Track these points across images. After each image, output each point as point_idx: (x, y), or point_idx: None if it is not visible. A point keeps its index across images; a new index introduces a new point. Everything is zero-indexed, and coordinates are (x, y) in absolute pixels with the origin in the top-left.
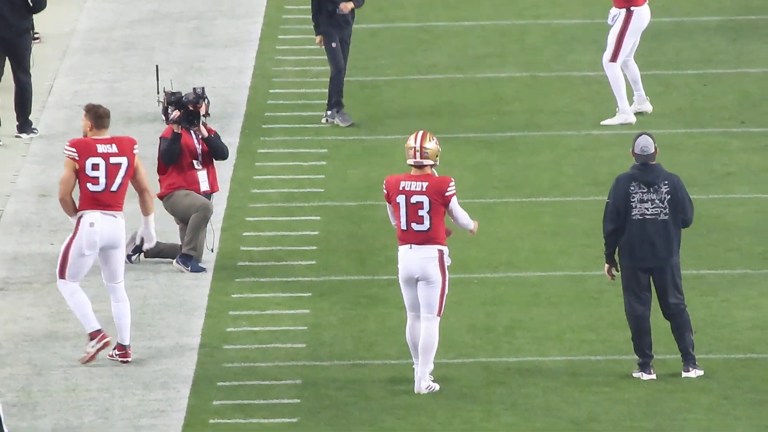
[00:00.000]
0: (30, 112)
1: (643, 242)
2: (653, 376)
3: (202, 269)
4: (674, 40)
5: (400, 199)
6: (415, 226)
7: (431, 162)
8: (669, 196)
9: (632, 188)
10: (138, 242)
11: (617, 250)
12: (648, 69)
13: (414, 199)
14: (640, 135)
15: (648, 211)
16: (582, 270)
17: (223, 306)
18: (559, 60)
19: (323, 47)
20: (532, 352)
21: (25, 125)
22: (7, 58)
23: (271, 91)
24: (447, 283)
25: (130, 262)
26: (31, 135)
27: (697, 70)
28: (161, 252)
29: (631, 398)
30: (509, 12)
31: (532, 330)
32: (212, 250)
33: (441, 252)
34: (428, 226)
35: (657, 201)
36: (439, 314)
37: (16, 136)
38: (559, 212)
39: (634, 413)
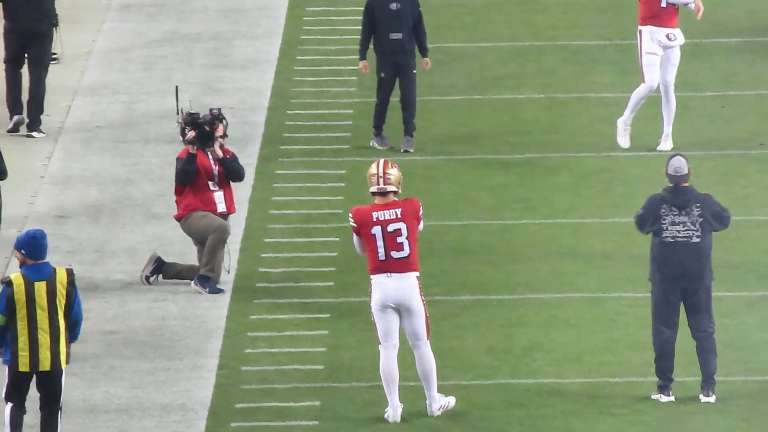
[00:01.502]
0: (42, 111)
1: (676, 265)
2: (672, 398)
3: (220, 290)
4: (693, 62)
5: (376, 230)
6: (395, 254)
7: (394, 189)
8: (701, 219)
9: (663, 210)
10: (155, 263)
11: (650, 272)
12: None
13: (391, 227)
14: (674, 156)
15: (680, 233)
16: (600, 292)
17: (242, 327)
18: (577, 81)
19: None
20: (551, 374)
21: (33, 122)
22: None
23: (289, 112)
24: (426, 307)
25: (148, 283)
26: (41, 134)
27: (716, 92)
28: (179, 273)
29: (650, 420)
30: (526, 33)
31: (551, 352)
32: (229, 272)
33: (418, 278)
34: (408, 251)
35: (689, 224)
36: (428, 338)
37: (28, 135)
38: (578, 234)
39: None
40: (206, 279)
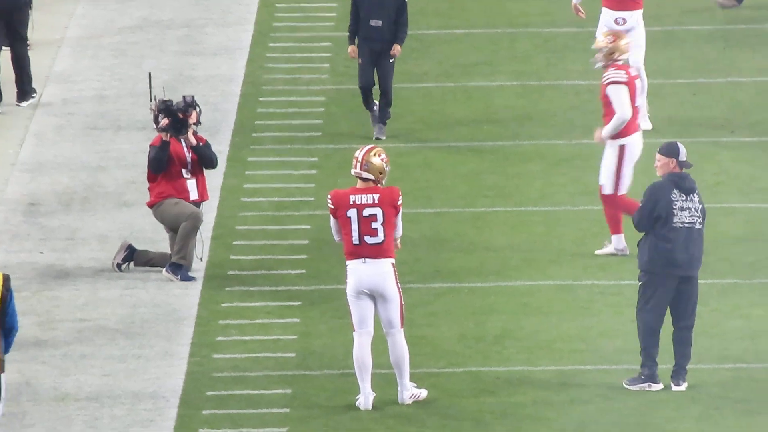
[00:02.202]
0: (29, 81)
1: (685, 250)
2: (661, 386)
3: (192, 278)
4: (665, 50)
5: (351, 213)
6: (368, 239)
7: (372, 177)
8: (701, 206)
9: (674, 195)
10: (126, 251)
11: (648, 258)
12: None
13: (366, 211)
14: (674, 143)
15: (686, 219)
16: (572, 279)
17: (213, 315)
18: (550, 69)
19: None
20: (522, 362)
21: (24, 93)
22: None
23: (261, 99)
24: (401, 294)
25: (120, 270)
26: (30, 100)
27: (688, 79)
28: (151, 261)
29: (621, 408)
30: (499, 20)
31: (522, 339)
32: (201, 259)
33: (394, 266)
34: (382, 238)
35: (693, 209)
36: (402, 326)
37: (17, 104)
38: (549, 221)
39: (624, 423)
40: (178, 266)
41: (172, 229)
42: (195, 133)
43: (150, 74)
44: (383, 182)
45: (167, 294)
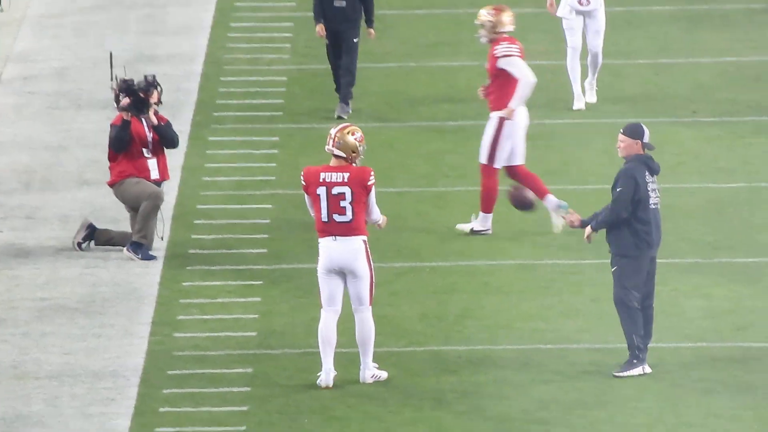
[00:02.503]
0: None
1: (657, 230)
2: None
3: (153, 257)
4: (626, 30)
5: (321, 190)
6: (337, 218)
7: (343, 155)
8: (658, 185)
9: (647, 177)
10: (87, 230)
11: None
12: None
13: (335, 190)
14: (640, 124)
15: (655, 200)
16: (533, 259)
17: (174, 294)
18: None
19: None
20: (483, 341)
21: None
22: None
23: (222, 78)
24: (373, 272)
25: (80, 249)
26: None
27: (650, 60)
28: (112, 240)
29: (582, 387)
30: (462, 1)
31: (483, 319)
32: (162, 238)
33: (365, 243)
34: (350, 216)
35: (657, 190)
36: (370, 304)
37: None
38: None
39: (585, 402)
40: (139, 245)
41: (133, 208)
42: (156, 113)
43: (111, 53)
44: (357, 161)
45: (128, 273)
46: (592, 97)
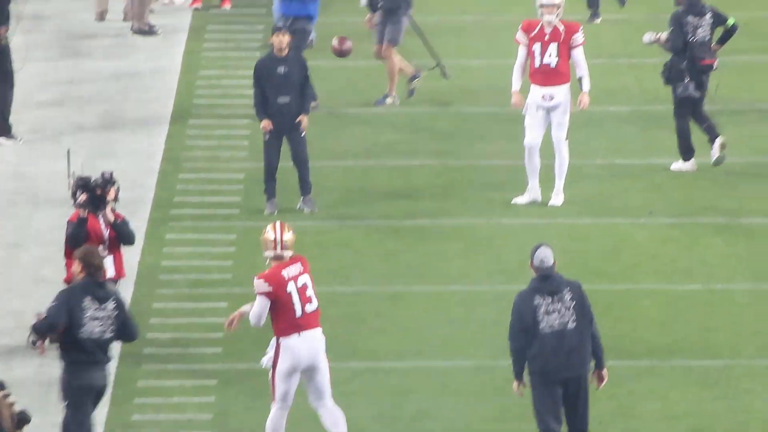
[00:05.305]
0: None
1: (555, 354)
2: None
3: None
4: (583, 129)
5: (291, 287)
6: (308, 308)
7: (291, 253)
8: (574, 303)
9: (537, 301)
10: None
11: (528, 367)
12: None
13: (300, 281)
14: (539, 247)
15: (556, 321)
16: (491, 359)
17: (129, 394)
18: (469, 148)
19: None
20: None
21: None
22: None
23: (180, 176)
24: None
25: (35, 347)
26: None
27: (606, 160)
28: None
29: None
30: (419, 99)
31: (440, 420)
32: None
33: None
34: (316, 303)
35: (563, 309)
36: (330, 396)
37: None
38: (468, 301)
39: None
40: None
41: None
42: (113, 210)
43: (69, 151)
44: None
45: None
46: (558, 200)
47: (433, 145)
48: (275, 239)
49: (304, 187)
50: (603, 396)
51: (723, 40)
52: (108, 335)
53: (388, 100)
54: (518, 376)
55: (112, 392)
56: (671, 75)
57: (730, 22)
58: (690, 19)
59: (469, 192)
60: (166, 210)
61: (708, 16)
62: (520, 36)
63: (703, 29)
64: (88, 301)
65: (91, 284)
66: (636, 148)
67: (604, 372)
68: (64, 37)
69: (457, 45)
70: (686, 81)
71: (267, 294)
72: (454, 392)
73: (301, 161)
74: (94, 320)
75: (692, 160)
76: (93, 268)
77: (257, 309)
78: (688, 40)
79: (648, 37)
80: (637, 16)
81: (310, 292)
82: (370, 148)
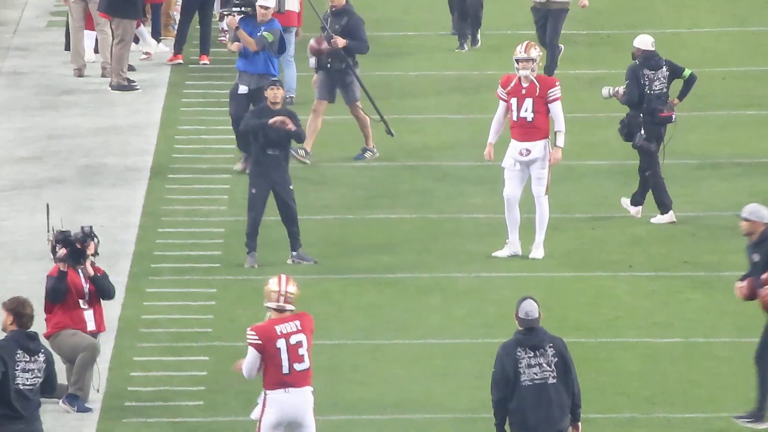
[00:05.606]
0: None
1: (535, 408)
2: None
3: (89, 409)
4: (564, 183)
5: (281, 343)
6: (297, 366)
7: (293, 308)
8: (556, 359)
9: (519, 354)
10: None
11: (509, 420)
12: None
13: (293, 339)
14: (525, 299)
15: (537, 375)
16: (471, 413)
17: None
18: (449, 202)
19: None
20: None
21: None
22: None
23: (160, 230)
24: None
25: None
26: None
27: (586, 213)
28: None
29: None
30: (399, 153)
31: None
32: (98, 390)
33: (313, 393)
34: (308, 363)
35: (545, 365)
36: None
37: None
38: (449, 354)
39: None
40: (75, 398)
41: (69, 360)
42: (93, 264)
43: (48, 205)
44: None
45: (64, 425)
46: (538, 254)
47: (413, 198)
48: (278, 291)
49: (297, 243)
50: None
51: (683, 94)
52: (36, 388)
53: (368, 155)
54: (499, 426)
55: None
56: (631, 130)
57: (686, 73)
58: (646, 72)
59: (449, 245)
60: (146, 264)
61: (664, 68)
62: (499, 91)
63: (659, 82)
64: (20, 354)
65: (22, 336)
66: (616, 202)
67: (579, 425)
68: (43, 92)
69: (437, 100)
70: (642, 133)
71: (256, 346)
72: None
73: (291, 219)
74: (25, 372)
75: (670, 212)
76: (24, 318)
77: (248, 359)
78: (645, 92)
79: (606, 91)
80: (620, 71)
81: (302, 351)
82: (350, 202)
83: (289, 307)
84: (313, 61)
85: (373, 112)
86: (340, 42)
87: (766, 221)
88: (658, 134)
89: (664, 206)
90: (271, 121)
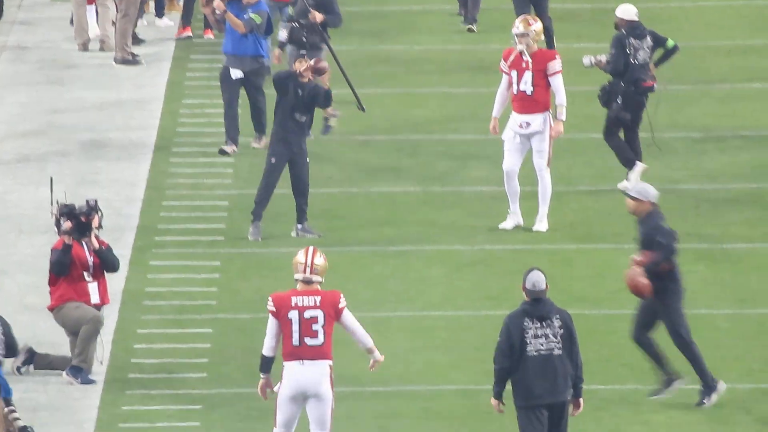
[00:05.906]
0: None
1: (541, 378)
2: None
3: (92, 381)
4: (566, 156)
5: (293, 315)
6: (308, 341)
7: (320, 279)
8: (562, 331)
9: (526, 324)
10: (27, 354)
11: (513, 391)
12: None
13: (308, 314)
14: (532, 270)
15: (543, 346)
16: (474, 384)
17: (113, 418)
18: (453, 175)
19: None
20: None
21: None
22: None
23: (164, 203)
24: (334, 397)
25: (19, 374)
26: None
27: (589, 186)
28: (51, 363)
29: None
30: (403, 127)
31: None
32: (102, 363)
33: (331, 368)
34: (322, 340)
35: (551, 336)
36: (330, 430)
37: None
38: (452, 326)
39: None
40: (78, 369)
41: (73, 332)
42: (97, 237)
43: (51, 179)
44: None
45: (67, 397)
46: (542, 226)
47: (416, 171)
48: (305, 262)
49: (302, 215)
50: (588, 420)
51: (661, 61)
52: None
53: (332, 122)
54: (498, 395)
55: (97, 417)
56: (610, 98)
57: (670, 43)
58: (632, 41)
59: (452, 218)
60: (150, 237)
61: (648, 38)
62: (501, 64)
63: (644, 51)
64: None
65: None
66: (619, 174)
67: (581, 400)
68: (48, 66)
69: (440, 73)
70: (618, 102)
71: (271, 312)
72: (439, 417)
73: (301, 193)
74: None
75: (638, 163)
76: None
77: (268, 325)
78: (629, 62)
79: (587, 60)
80: None
81: (317, 327)
82: (354, 175)
83: (316, 278)
84: (284, 33)
85: (345, 86)
86: (318, 16)
87: (652, 200)
88: (640, 103)
89: (629, 161)
90: (303, 67)
